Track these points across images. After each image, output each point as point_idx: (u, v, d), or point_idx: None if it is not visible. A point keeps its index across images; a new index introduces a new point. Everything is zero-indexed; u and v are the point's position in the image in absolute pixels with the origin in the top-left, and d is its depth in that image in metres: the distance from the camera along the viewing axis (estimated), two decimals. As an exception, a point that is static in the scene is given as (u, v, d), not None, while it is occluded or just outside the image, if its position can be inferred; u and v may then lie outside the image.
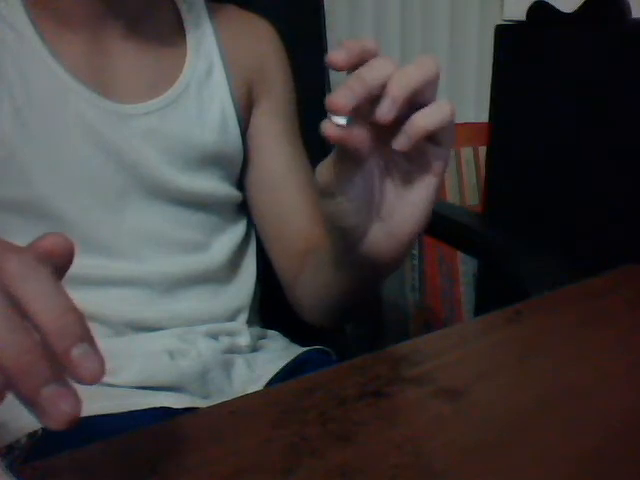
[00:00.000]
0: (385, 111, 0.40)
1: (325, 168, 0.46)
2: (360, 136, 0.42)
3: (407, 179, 0.47)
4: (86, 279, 0.63)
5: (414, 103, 0.42)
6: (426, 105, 0.42)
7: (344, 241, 0.51)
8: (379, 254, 0.49)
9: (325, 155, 0.46)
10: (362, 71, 0.41)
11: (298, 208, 0.73)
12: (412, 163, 0.46)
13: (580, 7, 1.24)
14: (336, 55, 0.41)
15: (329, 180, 0.46)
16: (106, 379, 0.59)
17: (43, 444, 0.55)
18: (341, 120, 0.41)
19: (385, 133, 0.43)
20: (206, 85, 0.70)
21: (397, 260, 0.51)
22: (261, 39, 0.76)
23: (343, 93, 0.40)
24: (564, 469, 0.36)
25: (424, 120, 0.42)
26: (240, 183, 0.75)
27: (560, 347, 0.49)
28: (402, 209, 0.47)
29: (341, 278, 0.58)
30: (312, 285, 0.66)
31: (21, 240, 0.61)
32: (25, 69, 0.62)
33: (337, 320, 0.71)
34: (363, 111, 0.41)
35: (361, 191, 0.47)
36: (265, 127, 0.74)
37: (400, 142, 0.42)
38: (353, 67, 0.42)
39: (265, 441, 0.38)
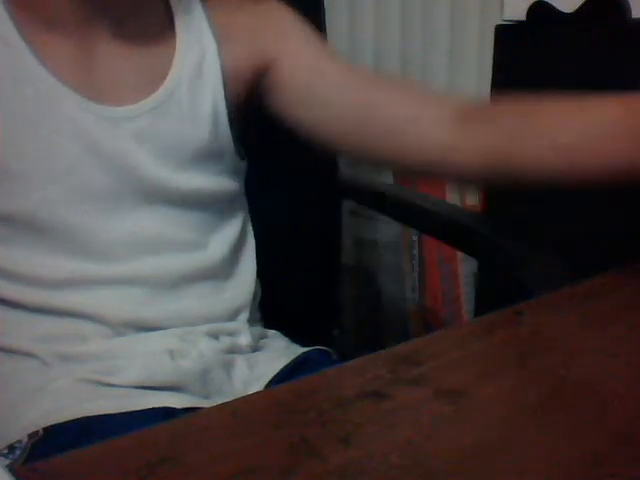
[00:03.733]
0: None
1: None
2: None
3: None
4: (84, 281, 0.63)
5: None
6: None
7: None
8: None
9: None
10: None
11: (399, 93, 0.71)
12: None
13: (580, 7, 1.24)
14: None
15: None
16: (106, 379, 0.59)
17: (44, 444, 0.55)
18: None
19: None
20: (198, 77, 0.68)
21: None
22: (258, 13, 0.73)
23: None
24: (564, 469, 0.36)
25: None
26: (250, 173, 0.73)
27: (560, 347, 0.49)
28: None
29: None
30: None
31: (15, 250, 0.62)
32: (12, 77, 0.61)
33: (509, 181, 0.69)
34: None
35: None
36: (299, 64, 0.71)
37: None
38: None
39: (265, 441, 0.38)
